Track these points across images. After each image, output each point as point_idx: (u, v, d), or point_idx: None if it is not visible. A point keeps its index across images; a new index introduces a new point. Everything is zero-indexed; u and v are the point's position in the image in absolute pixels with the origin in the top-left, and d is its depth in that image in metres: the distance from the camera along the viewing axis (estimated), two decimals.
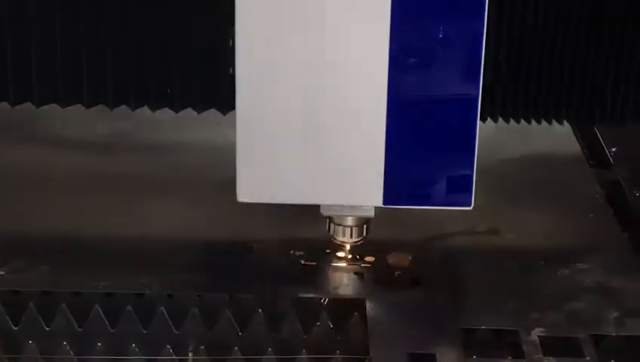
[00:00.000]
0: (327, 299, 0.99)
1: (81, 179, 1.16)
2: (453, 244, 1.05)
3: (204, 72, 1.05)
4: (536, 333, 0.91)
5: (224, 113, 1.06)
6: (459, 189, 0.97)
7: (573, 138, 1.25)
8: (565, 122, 1.12)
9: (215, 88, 1.06)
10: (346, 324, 0.94)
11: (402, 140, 0.96)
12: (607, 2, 1.02)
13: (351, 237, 1.00)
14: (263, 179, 1.00)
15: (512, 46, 1.04)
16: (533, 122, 1.08)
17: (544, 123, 1.07)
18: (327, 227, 1.00)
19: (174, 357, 0.90)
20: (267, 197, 1.00)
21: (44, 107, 1.07)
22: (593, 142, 1.24)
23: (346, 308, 0.95)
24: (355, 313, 0.94)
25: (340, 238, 0.99)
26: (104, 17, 1.03)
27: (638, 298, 0.96)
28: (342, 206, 1.01)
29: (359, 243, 1.00)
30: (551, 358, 0.88)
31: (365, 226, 1.00)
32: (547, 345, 0.90)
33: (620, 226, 1.09)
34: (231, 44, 0.95)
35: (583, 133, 1.27)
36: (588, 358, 0.88)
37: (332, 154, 0.97)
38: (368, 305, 0.95)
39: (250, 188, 1.00)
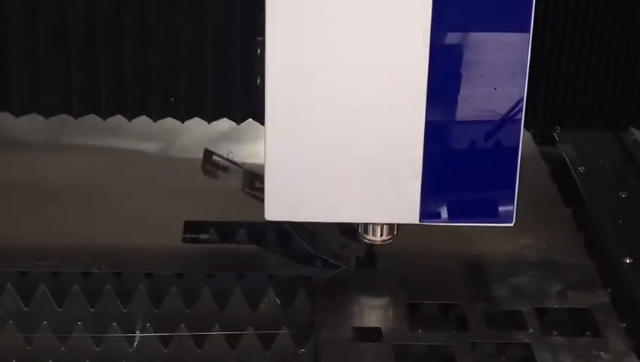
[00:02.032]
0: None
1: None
2: None
3: (214, 82, 1.03)
4: (481, 307, 0.92)
5: (238, 123, 1.05)
6: (500, 206, 0.94)
7: None
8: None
9: (228, 97, 1.04)
10: (292, 300, 0.94)
11: (441, 157, 0.93)
12: None
13: (381, 235, 0.98)
14: (292, 197, 0.96)
15: None
16: None
17: None
18: (357, 225, 0.98)
19: (121, 334, 0.89)
20: (297, 216, 0.97)
21: None
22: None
23: (293, 285, 0.96)
24: (302, 289, 0.95)
25: (369, 237, 0.97)
26: (98, 24, 1.01)
27: (581, 272, 0.98)
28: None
29: (388, 241, 0.98)
30: (495, 331, 0.89)
31: (396, 225, 0.97)
32: (491, 319, 0.91)
33: (564, 202, 1.10)
34: (259, 53, 0.91)
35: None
36: (531, 330, 0.89)
37: (366, 172, 0.93)
38: (315, 281, 0.96)
39: (279, 207, 0.96)
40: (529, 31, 0.88)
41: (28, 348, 0.88)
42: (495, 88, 0.90)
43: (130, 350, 0.89)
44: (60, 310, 0.92)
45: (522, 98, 0.90)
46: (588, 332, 0.90)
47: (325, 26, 0.88)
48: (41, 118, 1.10)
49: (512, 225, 0.95)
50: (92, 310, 0.92)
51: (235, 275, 0.97)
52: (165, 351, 0.88)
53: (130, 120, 1.05)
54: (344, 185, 0.94)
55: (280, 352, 0.89)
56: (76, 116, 1.04)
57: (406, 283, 0.98)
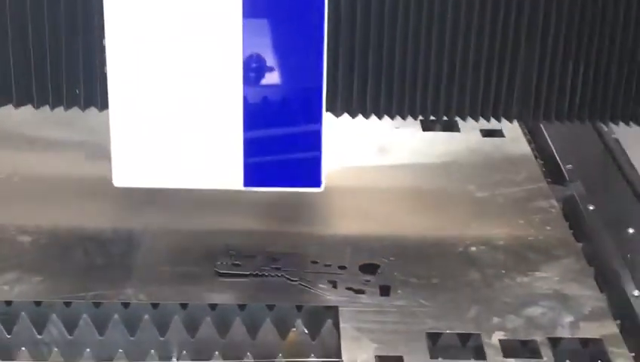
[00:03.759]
0: None
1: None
2: (417, 254, 1.06)
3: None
4: (497, 337, 0.92)
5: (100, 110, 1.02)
6: (309, 172, 0.97)
7: (532, 156, 1.27)
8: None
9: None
10: (319, 329, 0.94)
11: (258, 126, 0.96)
12: None
13: None
14: (137, 162, 0.96)
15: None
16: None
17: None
18: None
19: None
20: (142, 182, 0.97)
21: None
22: (550, 159, 1.26)
23: (321, 316, 0.96)
24: (328, 319, 0.95)
25: None
26: None
27: (591, 303, 0.98)
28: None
29: None
30: (511, 360, 0.89)
31: None
32: (507, 348, 0.91)
33: (575, 238, 1.10)
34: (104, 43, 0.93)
35: (540, 151, 1.28)
36: (545, 359, 0.89)
37: (198, 140, 0.96)
38: (340, 311, 0.96)
39: (126, 173, 0.97)
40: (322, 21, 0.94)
41: None
42: (294, 58, 0.96)
43: None
44: (101, 338, 0.92)
45: (321, 73, 0.95)
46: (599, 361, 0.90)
47: (159, 17, 0.93)
48: None
49: (321, 189, 0.99)
50: (132, 338, 0.92)
51: (265, 305, 0.96)
52: None
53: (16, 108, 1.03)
54: (183, 152, 0.97)
55: None
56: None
57: (425, 313, 0.97)
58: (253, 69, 0.95)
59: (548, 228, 1.12)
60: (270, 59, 0.96)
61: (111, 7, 0.94)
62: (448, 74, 1.01)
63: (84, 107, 1.02)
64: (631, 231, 1.10)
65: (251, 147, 0.97)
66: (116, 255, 1.04)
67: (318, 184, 1.00)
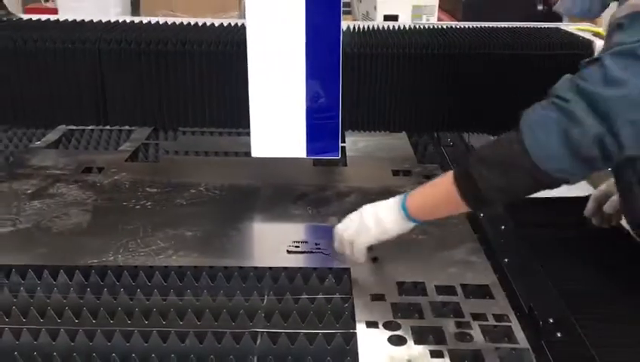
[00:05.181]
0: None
1: None
2: (390, 241, 1.14)
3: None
4: (433, 283, 1.11)
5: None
6: (335, 146, 1.20)
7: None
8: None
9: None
10: (340, 281, 1.12)
11: (312, 125, 1.17)
12: None
13: None
14: (264, 141, 1.16)
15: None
16: None
17: None
18: None
19: (257, 297, 1.08)
20: (267, 153, 1.17)
21: None
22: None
23: (341, 273, 1.14)
24: (345, 275, 1.14)
25: None
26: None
27: (482, 266, 1.15)
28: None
29: None
30: (441, 296, 1.08)
31: None
32: (439, 290, 1.10)
33: (473, 231, 1.27)
34: None
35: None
36: (458, 295, 1.09)
37: (289, 130, 1.15)
38: (352, 271, 1.15)
39: (261, 146, 1.17)
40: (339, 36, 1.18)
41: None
42: (317, 65, 1.16)
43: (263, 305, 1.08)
44: (228, 285, 1.10)
45: (338, 68, 1.18)
46: (487, 297, 1.07)
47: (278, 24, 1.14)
48: None
49: (338, 157, 1.24)
50: (244, 285, 1.10)
51: (312, 268, 1.14)
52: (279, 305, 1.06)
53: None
54: (284, 135, 1.16)
55: (336, 306, 1.05)
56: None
57: (395, 271, 1.14)
58: (310, 90, 1.18)
59: (460, 226, 1.27)
60: (316, 84, 1.17)
61: (253, 64, 1.16)
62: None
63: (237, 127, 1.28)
64: (503, 227, 1.26)
65: (309, 132, 1.19)
66: None
67: (338, 154, 1.24)
